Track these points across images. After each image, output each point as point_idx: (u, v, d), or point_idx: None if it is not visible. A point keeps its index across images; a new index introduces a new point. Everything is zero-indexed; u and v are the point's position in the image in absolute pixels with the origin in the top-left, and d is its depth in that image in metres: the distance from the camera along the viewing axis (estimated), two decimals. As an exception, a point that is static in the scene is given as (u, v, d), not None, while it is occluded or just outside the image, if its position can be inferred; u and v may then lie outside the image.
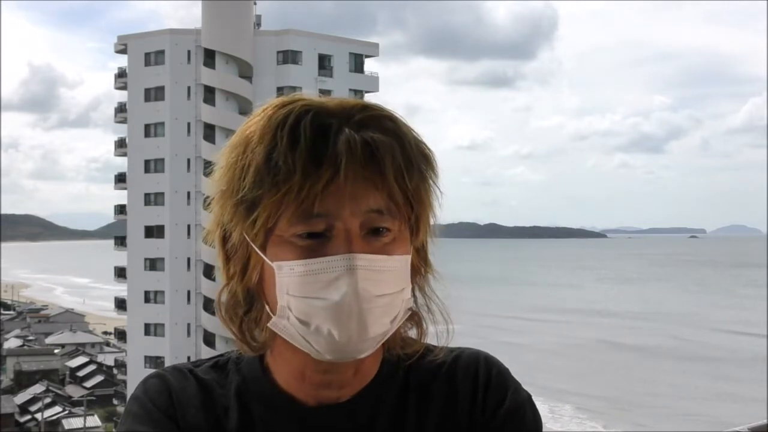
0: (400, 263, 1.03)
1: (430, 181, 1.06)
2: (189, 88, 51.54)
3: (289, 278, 1.00)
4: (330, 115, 1.02)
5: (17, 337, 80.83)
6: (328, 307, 0.98)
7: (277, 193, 0.98)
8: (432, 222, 1.09)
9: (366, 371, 1.11)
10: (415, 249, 1.08)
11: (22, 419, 56.54)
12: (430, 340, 1.14)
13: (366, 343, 1.01)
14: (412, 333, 1.13)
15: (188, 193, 50.97)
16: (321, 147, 0.99)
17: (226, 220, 1.04)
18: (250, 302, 1.08)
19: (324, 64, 53.06)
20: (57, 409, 55.95)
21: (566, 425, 47.85)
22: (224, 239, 1.07)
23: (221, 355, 1.19)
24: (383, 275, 1.00)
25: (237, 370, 1.15)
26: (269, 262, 1.02)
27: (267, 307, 1.05)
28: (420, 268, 1.11)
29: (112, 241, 58.23)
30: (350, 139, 0.99)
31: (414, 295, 1.09)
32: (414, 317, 1.11)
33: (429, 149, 1.07)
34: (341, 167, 0.98)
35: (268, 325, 1.05)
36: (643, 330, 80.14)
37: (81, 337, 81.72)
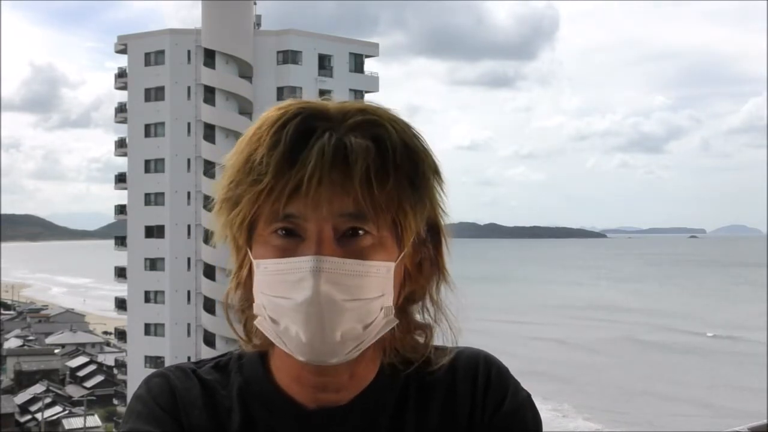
0: (377, 269, 1.01)
1: (418, 189, 1.03)
2: (189, 88, 51.50)
3: (263, 276, 1.02)
4: (321, 119, 1.02)
5: (17, 337, 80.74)
6: (292, 307, 0.99)
7: (253, 192, 1.01)
8: (421, 231, 1.07)
9: (363, 375, 1.11)
10: (413, 254, 1.08)
11: (23, 419, 56.51)
12: (435, 339, 1.15)
13: (334, 346, 1.00)
14: (419, 337, 1.14)
15: (188, 193, 50.93)
16: (299, 149, 0.99)
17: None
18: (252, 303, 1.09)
19: (324, 64, 53.03)
20: (57, 409, 55.92)
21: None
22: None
23: (223, 355, 1.19)
24: (354, 279, 0.99)
25: (239, 370, 1.15)
26: (253, 260, 1.04)
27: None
28: (421, 274, 1.10)
29: (112, 241, 58.21)
30: (326, 143, 0.99)
31: (423, 302, 1.11)
32: (420, 324, 1.12)
33: (423, 156, 1.05)
34: (308, 169, 0.98)
35: (255, 323, 1.06)
36: (599, 327, 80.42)
37: (81, 337, 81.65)
